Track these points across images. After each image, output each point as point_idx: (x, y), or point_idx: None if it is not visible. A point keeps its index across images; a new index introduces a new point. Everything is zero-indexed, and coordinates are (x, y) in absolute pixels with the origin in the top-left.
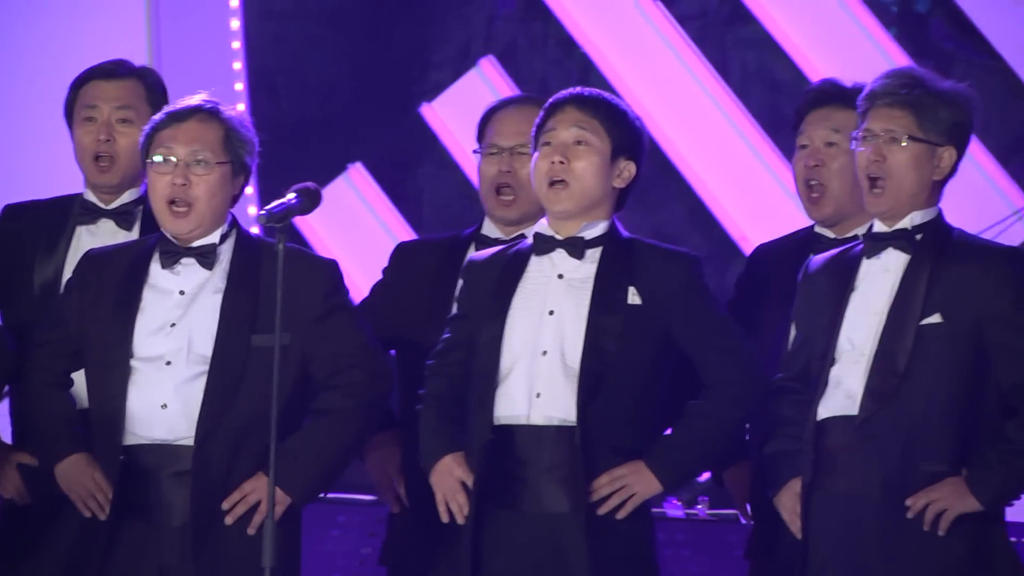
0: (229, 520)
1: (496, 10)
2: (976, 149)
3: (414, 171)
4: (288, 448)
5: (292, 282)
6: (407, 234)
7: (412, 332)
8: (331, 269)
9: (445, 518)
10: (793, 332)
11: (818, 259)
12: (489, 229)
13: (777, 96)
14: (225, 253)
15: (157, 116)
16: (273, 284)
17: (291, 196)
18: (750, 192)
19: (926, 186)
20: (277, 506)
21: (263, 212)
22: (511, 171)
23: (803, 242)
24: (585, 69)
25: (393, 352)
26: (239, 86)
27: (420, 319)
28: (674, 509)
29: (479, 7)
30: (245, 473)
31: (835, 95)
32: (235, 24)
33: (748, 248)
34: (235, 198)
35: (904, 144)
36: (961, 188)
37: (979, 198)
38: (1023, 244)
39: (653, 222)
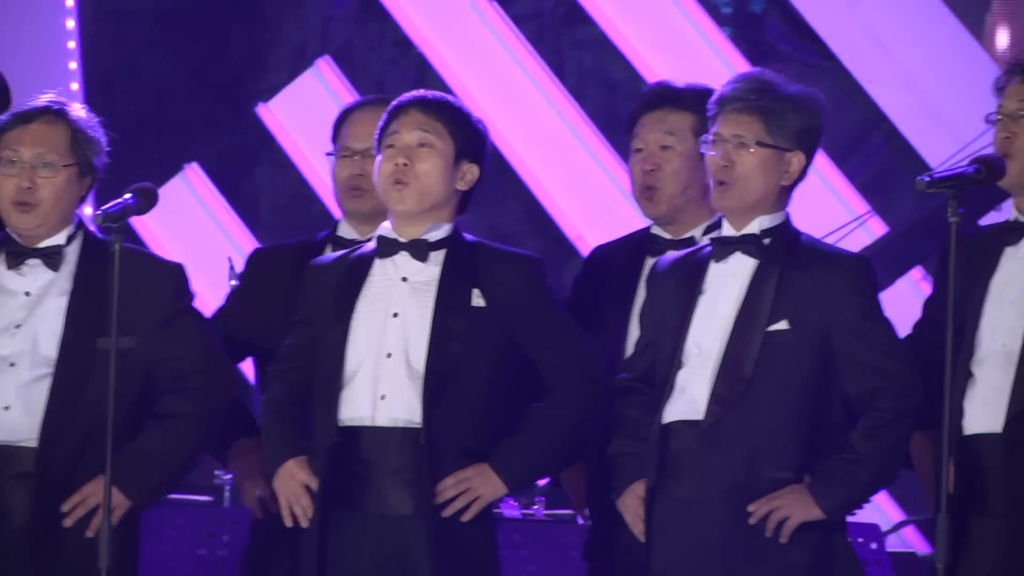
0: (68, 522)
1: (332, 10)
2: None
3: (250, 171)
4: (129, 452)
5: (136, 285)
6: (243, 234)
7: (269, 338)
8: (177, 272)
9: (289, 522)
10: (638, 333)
11: (665, 260)
12: (345, 231)
13: (613, 97)
14: (72, 255)
15: (3, 117)
16: (121, 288)
17: (127, 196)
18: (586, 192)
19: (774, 191)
20: (116, 509)
21: (99, 212)
22: (363, 174)
23: (640, 243)
24: (421, 69)
25: (252, 358)
26: (74, 86)
27: (277, 324)
28: (511, 510)
29: (315, 8)
30: (88, 476)
31: (668, 97)
32: (70, 24)
33: (584, 248)
34: (82, 199)
35: (752, 150)
36: (802, 193)
37: (820, 203)
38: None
39: (489, 222)
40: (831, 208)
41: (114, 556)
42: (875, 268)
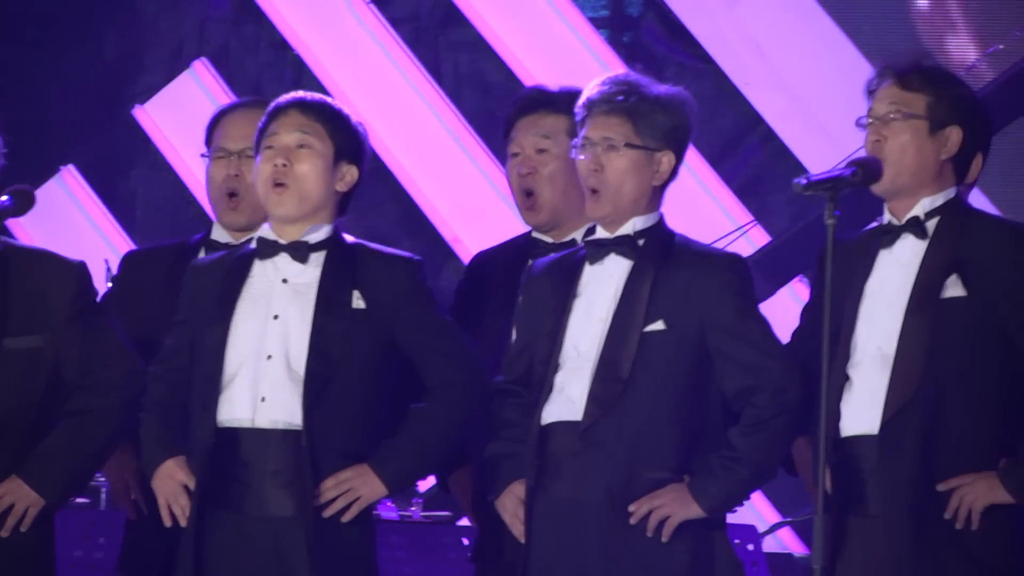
0: None
1: (209, 12)
2: (689, 154)
3: (127, 173)
4: (41, 450)
5: (38, 284)
6: (119, 236)
7: (143, 340)
8: (80, 270)
9: (168, 522)
10: (515, 335)
11: (541, 263)
12: (219, 234)
13: (490, 99)
14: None
15: None
16: (24, 287)
17: (4, 198)
18: (463, 194)
19: (646, 192)
20: (31, 508)
21: None
22: (239, 175)
23: (521, 248)
24: (298, 71)
25: None
26: None
27: (151, 327)
28: (389, 512)
29: (191, 9)
30: None
31: (543, 101)
32: None
33: (461, 250)
34: None
35: (622, 152)
36: (679, 196)
37: (697, 206)
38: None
39: (366, 224)
40: (707, 210)
41: (33, 557)
42: (749, 266)
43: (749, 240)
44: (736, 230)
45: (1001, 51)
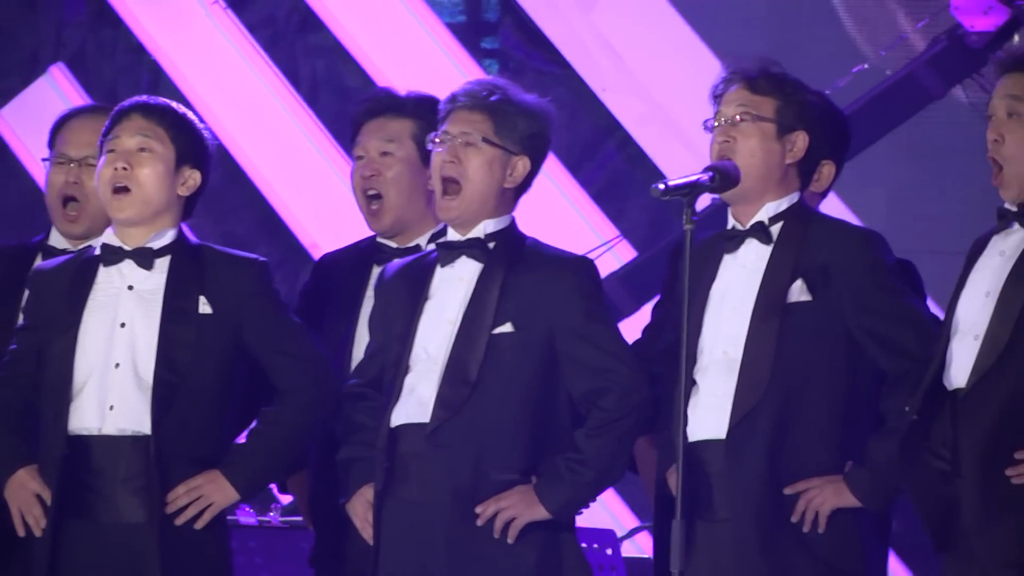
0: None
1: (65, 16)
2: (548, 159)
3: None
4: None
5: None
6: None
7: None
8: None
9: (21, 532)
10: (365, 340)
11: (393, 266)
12: (56, 240)
13: (347, 103)
14: None
15: None
16: None
17: None
18: (320, 199)
19: (498, 193)
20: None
21: None
22: (78, 182)
23: (366, 252)
24: (155, 76)
25: None
26: None
27: None
28: (247, 516)
29: (48, 14)
30: None
31: (390, 105)
32: None
33: (319, 255)
34: None
35: (479, 147)
36: (545, 209)
37: (562, 219)
38: (614, 275)
39: (224, 229)
40: (566, 216)
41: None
42: (597, 269)
43: (616, 255)
44: (602, 245)
45: (866, 71)
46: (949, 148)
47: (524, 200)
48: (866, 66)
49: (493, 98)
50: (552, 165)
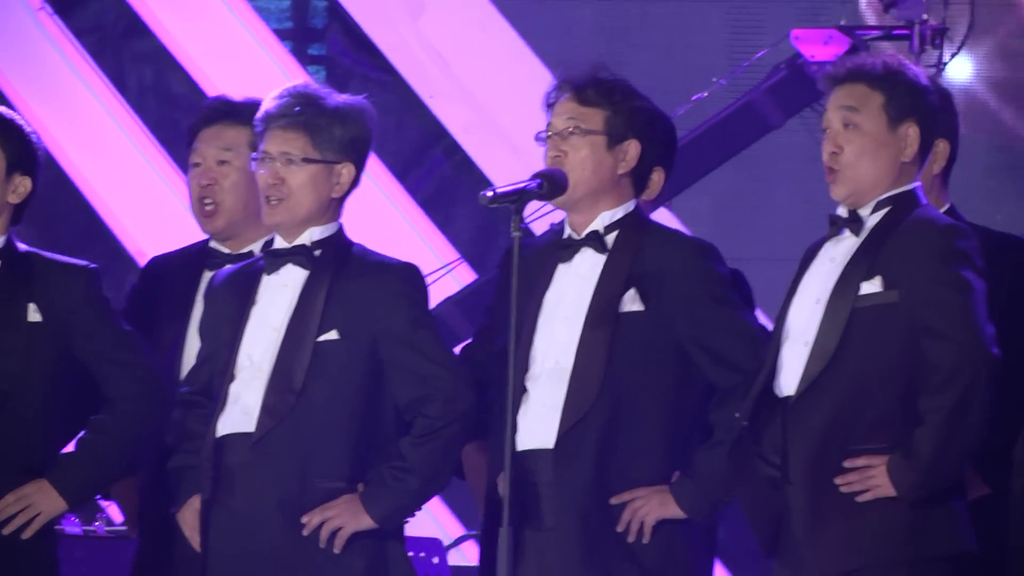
0: None
1: None
2: (374, 166)
3: None
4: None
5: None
6: None
7: None
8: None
9: None
10: (196, 346)
11: (222, 273)
12: None
13: (174, 110)
14: None
15: None
16: None
17: None
18: (147, 205)
19: (325, 203)
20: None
21: None
22: None
23: (197, 256)
24: None
25: None
26: None
27: None
28: (72, 526)
29: None
30: None
31: (225, 112)
32: None
33: (144, 261)
34: None
35: (299, 166)
36: (372, 216)
37: (389, 226)
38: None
39: (50, 235)
40: (393, 223)
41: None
42: (423, 276)
43: (455, 278)
44: (442, 268)
45: (705, 99)
46: (774, 156)
47: (350, 207)
48: (706, 94)
49: (307, 113)
50: (380, 172)
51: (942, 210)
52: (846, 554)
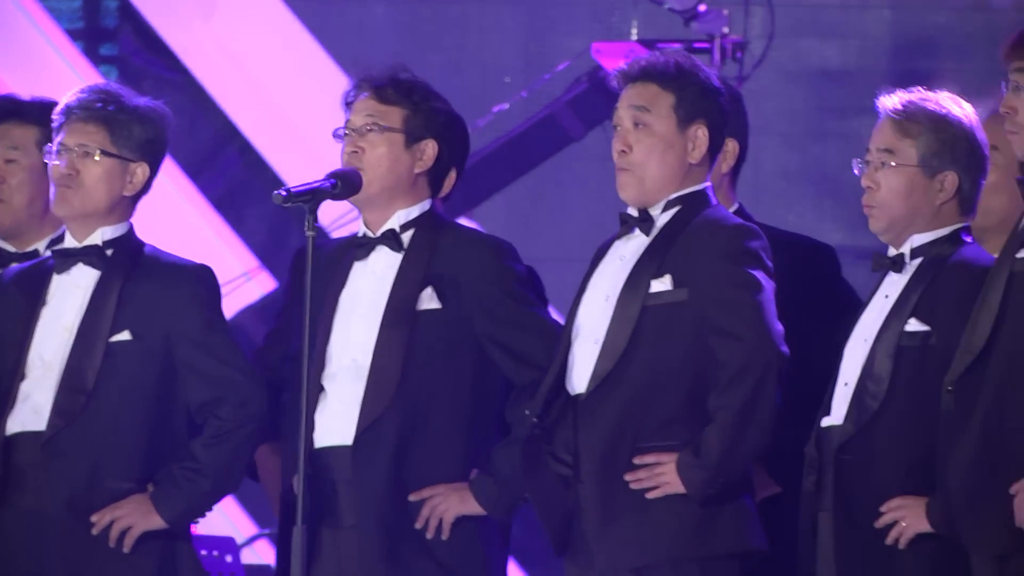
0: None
1: None
2: (168, 166)
3: None
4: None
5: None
6: None
7: None
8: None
9: None
10: None
11: (10, 272)
12: None
13: None
14: None
15: None
16: None
17: None
18: None
19: (117, 200)
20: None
21: None
22: None
23: None
24: None
25: None
26: None
27: None
28: None
29: None
30: None
31: (13, 111)
32: None
33: None
34: None
35: (97, 159)
36: (165, 215)
37: (182, 226)
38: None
39: None
40: (186, 222)
41: None
42: (217, 279)
43: (257, 286)
44: (241, 276)
45: (506, 110)
46: (566, 156)
47: (144, 205)
48: (507, 106)
49: (108, 108)
50: (173, 172)
51: (731, 209)
52: (635, 551)
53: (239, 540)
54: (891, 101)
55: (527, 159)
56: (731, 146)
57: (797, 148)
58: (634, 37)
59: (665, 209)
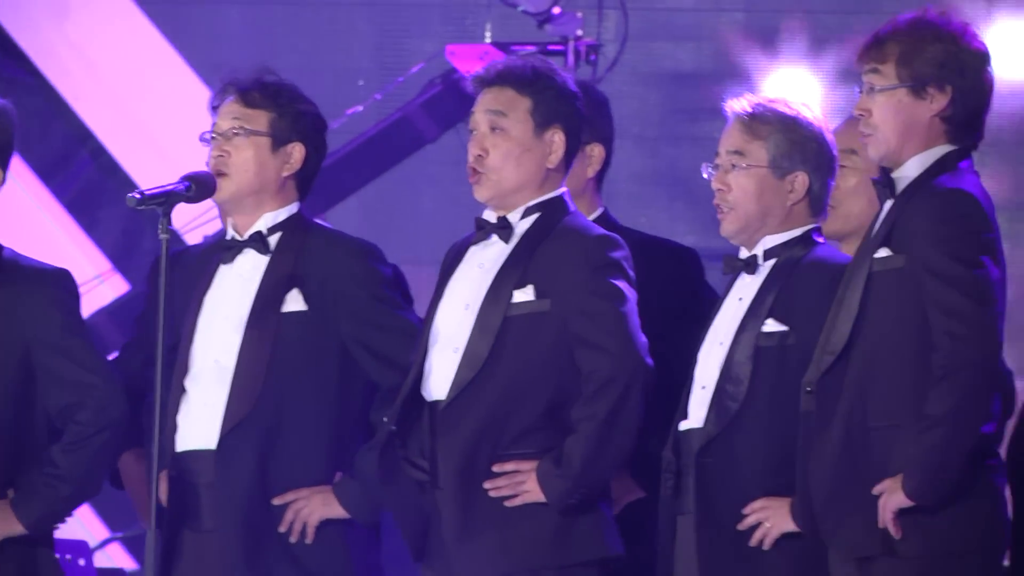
0: None
1: None
2: (20, 169)
3: None
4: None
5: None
6: None
7: None
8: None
9: None
10: None
11: None
12: None
13: None
14: None
15: None
16: None
17: None
18: None
19: None
20: None
21: None
22: None
23: None
24: None
25: None
26: None
27: None
28: None
29: None
30: None
31: None
32: None
33: None
34: None
35: None
36: (17, 218)
37: (34, 229)
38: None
39: None
40: (38, 225)
41: None
42: (75, 282)
43: (110, 289)
44: (94, 279)
45: (360, 113)
46: (420, 159)
47: None
48: (360, 108)
49: None
50: (24, 175)
51: (596, 214)
52: (494, 561)
53: (92, 544)
54: (740, 103)
55: (381, 161)
56: (596, 151)
57: (650, 151)
58: (488, 40)
59: (524, 216)
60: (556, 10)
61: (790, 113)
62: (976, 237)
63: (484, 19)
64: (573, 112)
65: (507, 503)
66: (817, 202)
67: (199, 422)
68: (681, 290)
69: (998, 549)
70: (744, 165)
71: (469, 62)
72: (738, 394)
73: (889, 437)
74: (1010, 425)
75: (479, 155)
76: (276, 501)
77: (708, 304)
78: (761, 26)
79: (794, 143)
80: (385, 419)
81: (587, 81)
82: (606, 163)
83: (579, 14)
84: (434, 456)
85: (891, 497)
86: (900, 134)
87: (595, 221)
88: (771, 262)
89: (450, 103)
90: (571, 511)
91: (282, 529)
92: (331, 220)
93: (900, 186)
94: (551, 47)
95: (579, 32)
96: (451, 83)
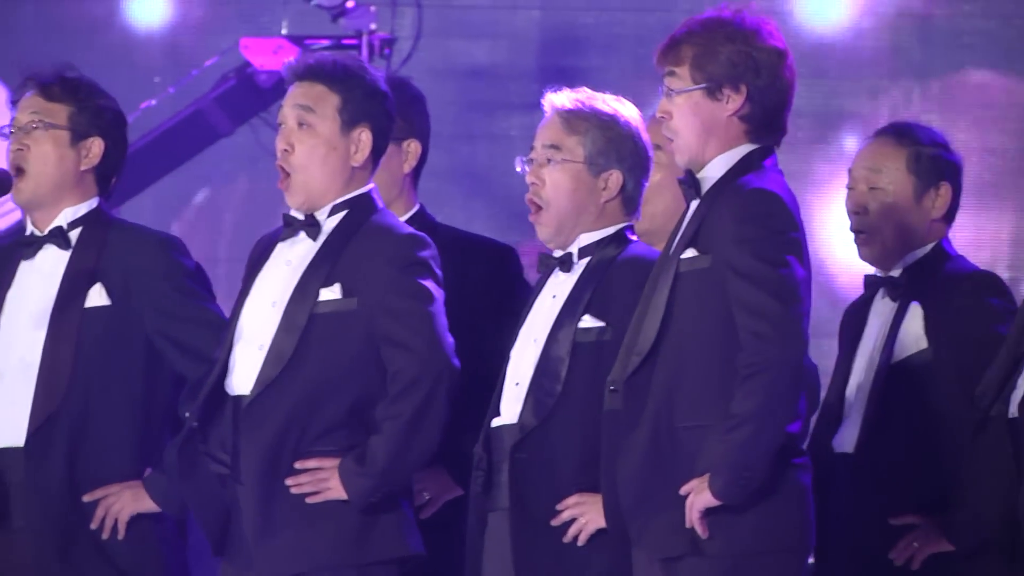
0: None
1: None
2: None
3: None
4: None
5: None
6: None
7: None
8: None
9: None
10: None
11: None
12: None
13: None
14: None
15: None
16: None
17: None
18: None
19: None
20: None
21: None
22: None
23: None
24: None
25: None
26: None
27: None
28: None
29: None
30: None
31: None
32: None
33: None
34: None
35: None
36: None
37: None
38: None
39: None
40: None
41: None
42: None
43: None
44: None
45: (153, 107)
46: (218, 157)
47: None
48: (154, 102)
49: None
50: None
51: (412, 211)
52: (294, 558)
53: None
54: (559, 98)
55: (175, 156)
56: (413, 147)
57: (445, 148)
58: (284, 33)
59: (332, 213)
60: (350, 4)
61: (608, 111)
62: (781, 236)
63: (280, 16)
64: (382, 111)
65: (309, 500)
66: (630, 201)
67: (6, 420)
68: (498, 288)
69: (804, 548)
70: (560, 160)
71: (263, 56)
72: (554, 389)
73: (697, 437)
74: (813, 420)
75: (285, 150)
76: (86, 498)
77: (524, 303)
78: (556, 22)
79: (611, 141)
80: (188, 414)
81: (404, 77)
82: (422, 159)
83: (372, 8)
84: (236, 451)
85: (698, 497)
86: (700, 136)
87: (411, 218)
88: (585, 260)
89: (244, 97)
90: (372, 510)
91: (93, 526)
92: (123, 215)
93: (705, 186)
94: (345, 41)
95: (373, 26)
96: (244, 77)
